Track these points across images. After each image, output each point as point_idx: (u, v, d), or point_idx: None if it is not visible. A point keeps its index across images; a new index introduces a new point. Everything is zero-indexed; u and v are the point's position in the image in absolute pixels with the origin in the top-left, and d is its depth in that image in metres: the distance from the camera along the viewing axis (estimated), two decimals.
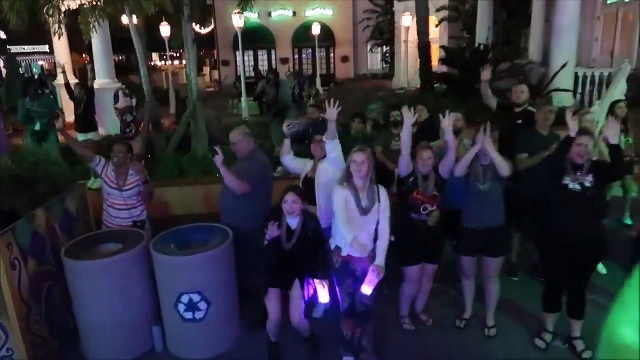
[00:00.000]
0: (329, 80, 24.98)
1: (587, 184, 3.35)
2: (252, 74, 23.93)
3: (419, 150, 3.71)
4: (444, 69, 13.99)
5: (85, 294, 3.57)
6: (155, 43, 24.59)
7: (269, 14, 24.77)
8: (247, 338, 3.93)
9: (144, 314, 3.74)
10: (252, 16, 24.72)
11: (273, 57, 25.63)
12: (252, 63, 25.68)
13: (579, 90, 10.66)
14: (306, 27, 23.91)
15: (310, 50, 24.99)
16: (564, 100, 10.09)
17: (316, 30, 22.04)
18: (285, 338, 3.70)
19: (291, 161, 4.15)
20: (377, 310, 3.57)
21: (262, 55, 25.81)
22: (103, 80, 12.11)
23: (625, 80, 9.92)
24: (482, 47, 12.91)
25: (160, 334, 3.80)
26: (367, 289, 3.29)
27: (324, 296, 3.37)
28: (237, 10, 14.20)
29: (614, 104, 5.59)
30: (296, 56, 25.74)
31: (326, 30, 24.70)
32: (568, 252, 3.45)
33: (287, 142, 4.11)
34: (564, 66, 10.12)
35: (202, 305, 3.61)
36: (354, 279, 3.40)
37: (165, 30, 18.67)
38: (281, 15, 24.82)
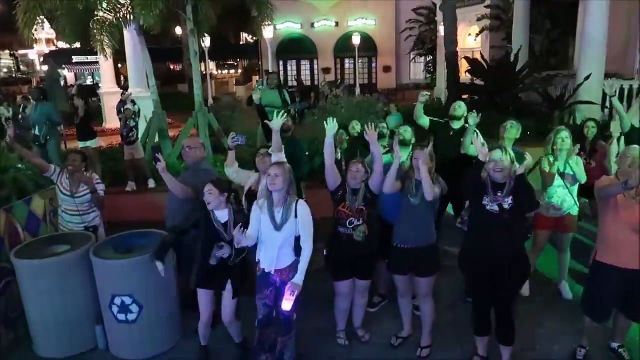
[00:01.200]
0: (371, 90, 24.97)
1: (506, 206, 3.22)
2: (295, 84, 24.51)
3: (350, 164, 3.73)
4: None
5: (29, 291, 3.85)
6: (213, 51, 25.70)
7: (312, 25, 25.13)
8: (189, 341, 4.04)
9: (86, 313, 3.95)
10: (295, 27, 25.30)
11: (315, 66, 25.95)
12: (294, 73, 26.21)
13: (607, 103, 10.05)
14: (348, 37, 24.01)
15: (352, 60, 25.07)
16: (590, 113, 9.57)
17: (356, 40, 22.15)
18: (219, 345, 3.84)
19: (235, 172, 4.26)
20: (299, 322, 3.60)
21: (305, 65, 26.21)
22: (136, 89, 12.79)
23: None
24: (512, 57, 12.47)
25: (102, 333, 4.00)
26: (286, 305, 3.35)
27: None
28: (267, 22, 14.73)
29: (582, 123, 5.35)
30: (338, 66, 25.89)
31: (368, 40, 24.74)
32: (487, 273, 3.35)
33: (231, 154, 4.23)
34: (587, 78, 9.62)
35: (134, 308, 3.79)
36: (274, 290, 3.46)
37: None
38: (324, 25, 25.09)
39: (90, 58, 31.75)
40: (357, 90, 21.93)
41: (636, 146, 3.45)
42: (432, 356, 3.81)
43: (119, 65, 21.00)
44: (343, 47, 24.78)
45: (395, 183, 3.60)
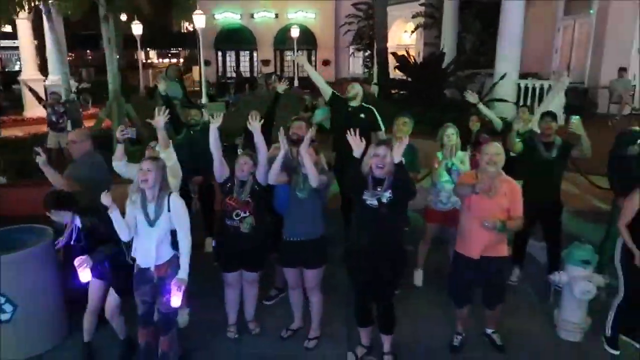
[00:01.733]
0: (310, 83, 24.99)
1: (384, 200, 3.30)
2: (234, 74, 24.11)
3: (238, 156, 3.72)
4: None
5: None
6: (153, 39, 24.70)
7: (252, 15, 24.85)
8: (76, 339, 3.87)
9: None
10: (234, 17, 24.90)
11: (254, 58, 25.67)
12: (233, 63, 25.80)
13: (522, 101, 10.58)
14: (287, 29, 23.84)
15: (292, 53, 24.98)
16: (505, 110, 10.02)
17: (295, 32, 21.98)
18: (105, 341, 3.75)
19: (123, 166, 4.11)
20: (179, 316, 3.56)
21: (244, 57, 25.88)
22: (55, 76, 12.18)
23: (564, 93, 9.90)
24: (437, 55, 12.88)
25: None
26: (175, 301, 3.28)
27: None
28: (199, 11, 14.40)
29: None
30: (278, 58, 25.74)
31: (308, 33, 24.70)
32: (367, 266, 3.42)
33: (119, 147, 4.07)
34: (502, 77, 10.07)
35: (7, 307, 3.60)
36: (152, 287, 3.39)
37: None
38: (263, 16, 24.88)
39: (17, 42, 30.15)
40: (296, 83, 21.96)
41: (496, 143, 3.62)
42: (318, 347, 3.87)
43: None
44: (283, 39, 24.62)
45: (281, 175, 3.61)
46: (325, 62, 25.68)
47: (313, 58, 25.87)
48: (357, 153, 3.26)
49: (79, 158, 4.10)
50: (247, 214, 3.65)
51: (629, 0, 10.85)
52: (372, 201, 3.32)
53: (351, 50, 25.45)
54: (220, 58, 25.72)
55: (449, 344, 3.83)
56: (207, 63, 25.45)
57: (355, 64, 26.50)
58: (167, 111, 3.94)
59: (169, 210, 3.28)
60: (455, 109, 10.16)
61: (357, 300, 3.64)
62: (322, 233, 3.73)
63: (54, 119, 6.86)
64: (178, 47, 35.66)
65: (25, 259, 3.63)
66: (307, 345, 3.86)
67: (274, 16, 24.88)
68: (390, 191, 3.30)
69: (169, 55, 39.49)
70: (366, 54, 25.14)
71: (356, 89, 5.18)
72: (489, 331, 3.87)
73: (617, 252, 3.67)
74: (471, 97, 5.48)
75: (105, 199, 3.15)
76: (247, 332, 4.04)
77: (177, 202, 3.33)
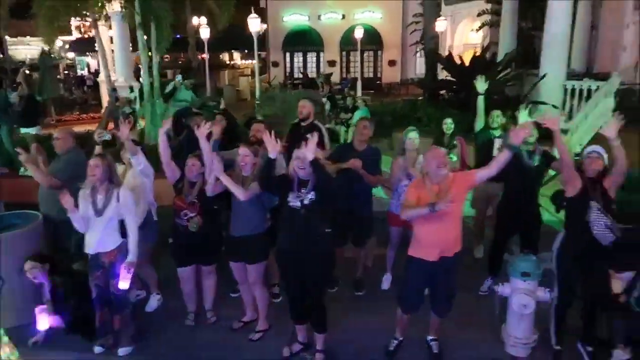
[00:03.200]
0: (375, 83, 24.99)
1: (306, 201, 3.42)
2: (301, 75, 24.71)
3: (188, 157, 4.00)
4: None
5: None
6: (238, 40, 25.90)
7: (319, 17, 25.27)
8: None
9: None
10: (302, 18, 25.49)
11: (321, 59, 26.09)
12: (300, 65, 26.40)
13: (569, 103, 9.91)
14: (353, 30, 24.00)
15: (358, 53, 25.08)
16: (549, 113, 9.48)
17: (359, 33, 22.00)
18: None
19: None
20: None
21: (311, 57, 26.38)
22: (121, 78, 13.35)
23: (613, 95, 9.18)
24: (489, 55, 12.37)
25: None
26: (123, 284, 3.67)
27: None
28: (254, 15, 15.00)
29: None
30: (344, 59, 25.94)
31: (374, 34, 24.69)
32: (294, 267, 3.56)
33: (97, 149, 4.50)
34: (542, 77, 9.51)
35: None
36: (103, 272, 3.78)
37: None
38: (330, 18, 25.19)
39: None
40: (359, 84, 22.04)
41: (440, 149, 3.58)
42: (262, 340, 4.07)
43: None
44: (349, 39, 24.74)
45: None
46: (391, 63, 25.48)
47: (379, 59, 25.81)
48: (272, 154, 3.41)
49: (62, 154, 4.59)
50: (194, 214, 3.93)
51: None
52: (295, 203, 3.45)
53: (417, 50, 25.02)
54: (288, 59, 26.39)
55: (385, 347, 3.85)
56: (275, 64, 26.47)
57: (421, 64, 25.94)
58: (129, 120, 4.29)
59: (118, 201, 3.65)
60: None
61: (289, 299, 3.78)
62: (263, 231, 3.91)
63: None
64: (248, 49, 36.97)
65: (12, 239, 4.17)
66: (251, 337, 4.07)
67: (340, 17, 25.11)
68: (313, 193, 3.41)
69: (251, 56, 41.40)
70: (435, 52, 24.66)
71: (307, 108, 5.08)
72: (429, 338, 3.84)
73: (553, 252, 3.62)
74: (480, 84, 5.34)
75: (65, 201, 3.57)
76: (204, 320, 4.33)
77: (125, 194, 3.69)
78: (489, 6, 18.89)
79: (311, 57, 26.35)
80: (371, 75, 25.65)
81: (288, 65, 26.54)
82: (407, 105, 13.05)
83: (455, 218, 3.38)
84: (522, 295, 3.54)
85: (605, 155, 3.56)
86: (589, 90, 9.32)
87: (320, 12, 25.12)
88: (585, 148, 3.63)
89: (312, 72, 25.60)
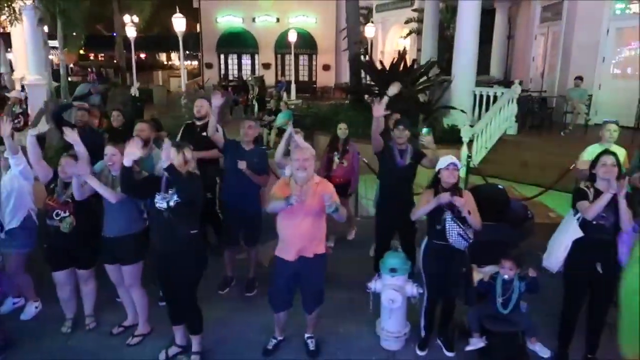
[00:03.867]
0: (311, 87, 25.20)
1: (172, 203, 3.39)
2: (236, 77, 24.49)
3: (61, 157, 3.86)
4: None
5: None
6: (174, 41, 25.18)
7: (253, 19, 25.18)
8: None
9: None
10: (236, 20, 25.30)
11: (256, 61, 25.99)
12: (235, 67, 26.20)
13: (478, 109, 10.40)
14: (288, 33, 24.14)
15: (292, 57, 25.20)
16: (458, 118, 9.93)
17: (292, 37, 22.22)
18: None
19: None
20: None
21: (246, 60, 26.23)
22: (34, 76, 12.61)
23: (516, 102, 9.73)
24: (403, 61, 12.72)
25: None
26: None
27: None
28: (178, 15, 14.71)
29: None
30: (279, 62, 25.98)
31: (308, 38, 24.91)
32: (163, 268, 3.52)
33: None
34: (442, 82, 9.98)
35: None
36: None
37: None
38: (265, 20, 25.17)
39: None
40: (293, 88, 22.15)
41: (309, 147, 3.66)
42: (141, 344, 3.98)
43: None
44: (284, 43, 24.84)
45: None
46: (326, 67, 25.77)
47: (314, 63, 26.03)
48: (126, 161, 3.35)
49: None
50: (67, 214, 3.79)
51: (595, 7, 10.57)
52: (161, 204, 3.41)
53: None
54: (222, 61, 26.10)
55: (264, 347, 3.88)
56: (209, 66, 26.11)
57: None
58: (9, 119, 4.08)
59: None
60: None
61: (165, 300, 3.72)
62: (137, 231, 3.82)
63: (10, 119, 7.16)
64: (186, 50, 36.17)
65: None
66: (128, 342, 3.97)
67: (275, 20, 25.14)
68: (177, 195, 3.38)
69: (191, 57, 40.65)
70: (366, 58, 25.18)
71: (205, 108, 5.09)
72: (306, 336, 3.90)
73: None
74: (391, 88, 5.37)
75: None
76: (83, 327, 4.18)
77: None
78: (415, 14, 19.61)
79: (246, 60, 26.21)
80: (306, 79, 25.83)
81: (223, 67, 26.25)
82: (332, 108, 13.26)
83: (314, 220, 3.42)
84: (390, 290, 3.68)
85: (461, 167, 3.75)
86: (495, 97, 9.82)
87: (254, 14, 25.05)
88: (443, 160, 3.70)
89: (247, 75, 25.51)
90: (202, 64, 26.22)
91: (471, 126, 8.97)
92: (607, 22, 10.54)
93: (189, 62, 42.20)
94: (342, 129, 5.52)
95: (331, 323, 4.18)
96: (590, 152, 4.93)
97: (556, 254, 3.55)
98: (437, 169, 3.70)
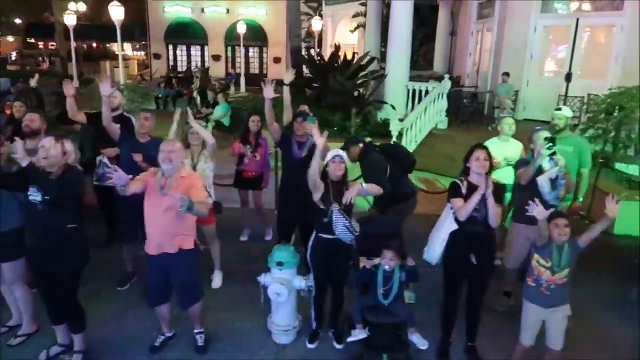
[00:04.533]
0: (261, 80, 24.90)
1: (46, 196, 3.26)
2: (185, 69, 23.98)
3: None
4: None
5: None
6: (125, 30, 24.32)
7: (202, 10, 24.69)
8: None
9: None
10: (185, 10, 24.75)
11: (206, 53, 25.53)
12: (184, 58, 25.66)
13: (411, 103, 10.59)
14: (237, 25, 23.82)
15: (243, 49, 24.87)
16: (390, 112, 10.05)
17: (241, 28, 21.93)
18: None
19: None
20: None
21: (195, 51, 25.73)
22: None
23: (445, 97, 9.94)
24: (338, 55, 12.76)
25: None
26: None
27: None
28: (115, 2, 14.23)
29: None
30: (229, 54, 25.61)
31: (258, 30, 24.65)
32: (38, 263, 3.39)
33: None
34: (377, 76, 10.09)
35: None
36: None
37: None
38: (214, 11, 24.73)
39: None
40: (242, 80, 21.86)
41: (174, 140, 3.63)
42: (24, 344, 3.83)
43: None
44: (234, 34, 24.48)
45: None
46: (277, 59, 25.57)
47: (264, 55, 25.80)
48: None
49: None
50: None
51: (524, 5, 10.90)
52: (35, 197, 3.27)
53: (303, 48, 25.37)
54: (171, 52, 25.51)
55: (151, 344, 3.81)
56: (157, 56, 25.48)
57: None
58: None
59: None
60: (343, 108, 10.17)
61: (42, 298, 3.59)
62: (15, 226, 3.65)
63: None
64: (135, 40, 35.35)
65: None
66: (9, 342, 3.82)
67: (224, 11, 24.74)
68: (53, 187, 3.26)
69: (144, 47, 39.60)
70: (317, 51, 25.16)
71: (118, 99, 5.00)
72: (195, 331, 3.85)
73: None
74: (287, 76, 5.28)
75: None
76: None
77: None
78: (363, 9, 19.71)
79: (195, 51, 25.70)
80: (257, 71, 25.57)
81: (171, 58, 25.65)
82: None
83: (178, 214, 3.26)
84: (276, 284, 3.68)
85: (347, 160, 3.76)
86: (427, 91, 10.01)
87: (203, 4, 24.57)
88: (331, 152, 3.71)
89: (196, 67, 25.03)
90: (149, 54, 25.51)
91: (401, 120, 9.11)
92: (534, 20, 10.90)
93: (138, 53, 41.23)
94: (254, 122, 5.44)
95: (226, 317, 4.17)
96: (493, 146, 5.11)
97: (434, 247, 3.63)
98: (325, 162, 3.71)
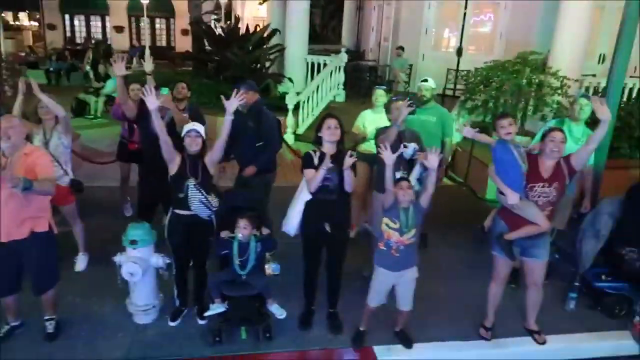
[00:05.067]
0: (169, 53, 23.82)
1: None
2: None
3: None
4: None
5: None
6: None
7: None
8: None
9: None
10: None
11: (107, 24, 23.90)
12: (83, 30, 23.87)
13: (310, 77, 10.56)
14: None
15: (148, 20, 23.54)
16: (289, 86, 9.99)
17: None
18: None
19: None
20: None
21: (95, 22, 24.00)
22: None
23: (342, 70, 10.01)
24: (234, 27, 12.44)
25: None
26: None
27: None
28: None
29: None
30: (133, 25, 24.15)
31: (164, 0, 23.39)
32: None
33: None
34: (276, 51, 9.98)
35: None
36: None
37: None
38: None
39: None
40: (148, 53, 20.69)
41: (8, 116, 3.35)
42: None
43: None
44: (138, 5, 23.02)
45: None
46: (185, 32, 24.40)
47: (171, 27, 24.62)
48: None
49: None
50: None
51: None
52: None
53: (211, 20, 24.51)
54: (68, 23, 23.59)
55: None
56: (51, 27, 23.47)
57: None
58: None
59: None
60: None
61: None
62: None
63: None
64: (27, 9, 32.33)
65: None
66: None
67: None
68: None
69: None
70: (227, 23, 24.37)
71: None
72: (45, 317, 3.60)
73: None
74: (147, 65, 4.98)
75: None
76: None
77: None
78: None
79: (95, 22, 23.95)
80: (164, 44, 24.38)
81: (68, 29, 23.74)
82: (171, 74, 12.62)
83: (26, 195, 3.03)
84: (129, 263, 3.53)
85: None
86: (326, 65, 10.02)
87: None
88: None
89: (96, 39, 23.38)
90: (43, 25, 23.43)
91: (298, 94, 9.08)
92: None
93: (34, 23, 37.75)
94: (133, 91, 5.10)
95: (85, 302, 3.97)
96: (362, 117, 5.21)
97: (291, 218, 3.66)
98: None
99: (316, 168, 3.42)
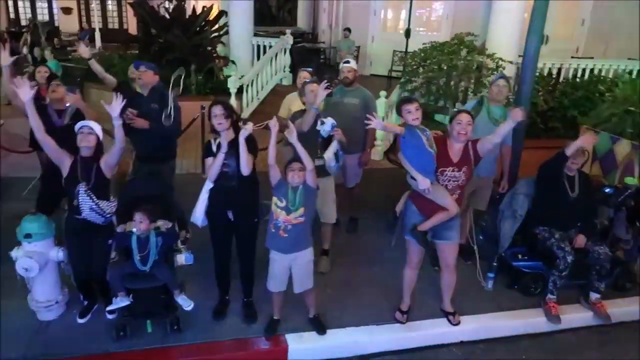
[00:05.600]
0: (123, 36, 22.99)
1: None
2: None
3: None
4: None
5: None
6: None
7: None
8: None
9: None
10: None
11: (54, 5, 22.85)
12: (27, 11, 22.74)
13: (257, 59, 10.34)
14: None
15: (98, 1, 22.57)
16: (233, 69, 9.75)
17: None
18: None
19: None
20: None
21: (42, 3, 22.90)
22: None
23: (288, 53, 9.83)
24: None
25: None
26: None
27: None
28: None
29: None
30: (82, 6, 23.17)
31: None
32: None
33: None
34: (220, 34, 9.74)
35: None
36: None
37: None
38: None
39: None
40: (98, 36, 19.89)
41: None
42: None
43: None
44: None
45: None
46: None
47: (124, 9, 23.73)
48: None
49: None
50: None
51: None
52: None
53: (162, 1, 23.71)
54: (11, 3, 22.41)
55: None
56: None
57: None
58: None
59: None
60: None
61: None
62: None
63: None
64: None
65: None
66: None
67: None
68: None
69: None
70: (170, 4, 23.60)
71: None
72: None
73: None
74: (82, 50, 4.76)
75: None
76: None
77: None
78: None
79: (42, 3, 22.85)
80: (116, 26, 23.52)
81: (12, 10, 22.57)
82: (112, 58, 12.14)
83: None
84: (24, 258, 3.36)
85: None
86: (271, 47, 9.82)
87: None
88: None
89: (43, 21, 22.32)
90: None
91: (242, 77, 8.87)
92: None
93: None
94: (40, 73, 4.84)
95: None
96: (287, 100, 5.13)
97: (197, 209, 3.53)
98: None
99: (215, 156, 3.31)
